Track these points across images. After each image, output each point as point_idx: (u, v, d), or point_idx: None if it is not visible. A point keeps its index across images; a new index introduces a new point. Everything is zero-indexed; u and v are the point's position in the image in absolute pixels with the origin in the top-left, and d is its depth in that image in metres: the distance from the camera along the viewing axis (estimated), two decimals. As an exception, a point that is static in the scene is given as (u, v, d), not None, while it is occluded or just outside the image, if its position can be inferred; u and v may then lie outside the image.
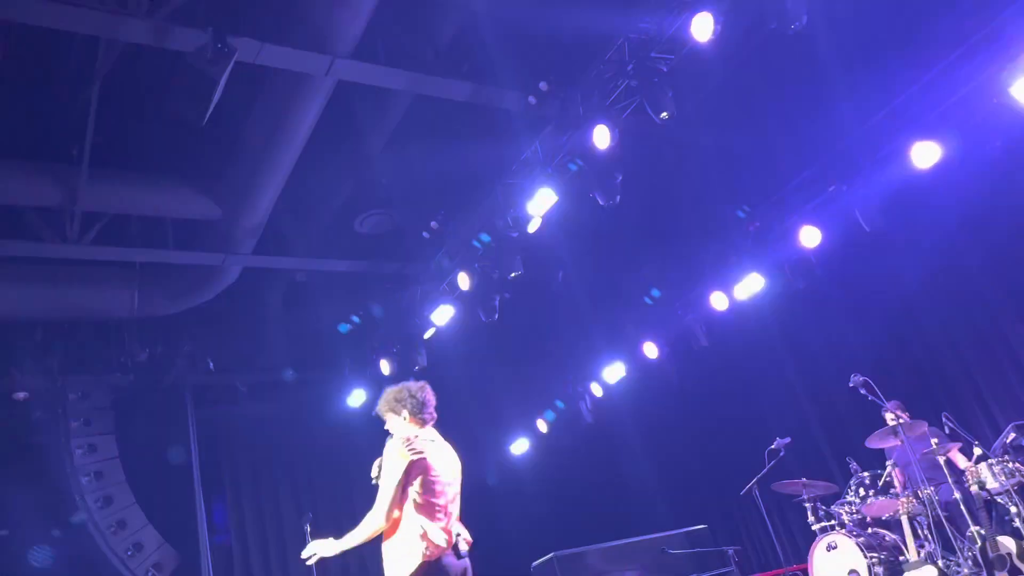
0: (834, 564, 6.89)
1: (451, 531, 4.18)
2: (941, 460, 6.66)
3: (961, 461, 7.17)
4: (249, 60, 6.62)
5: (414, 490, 4.12)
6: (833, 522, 7.25)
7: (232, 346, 11.53)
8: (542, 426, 12.13)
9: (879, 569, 6.63)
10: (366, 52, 7.29)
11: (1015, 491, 6.33)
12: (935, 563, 6.49)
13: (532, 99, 7.78)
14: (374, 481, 4.27)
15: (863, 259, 8.99)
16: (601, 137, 7.45)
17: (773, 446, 7.89)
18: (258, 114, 7.78)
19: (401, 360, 10.73)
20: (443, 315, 10.00)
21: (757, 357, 10.49)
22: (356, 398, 11.76)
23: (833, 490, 7.64)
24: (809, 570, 7.15)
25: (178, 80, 6.41)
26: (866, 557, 6.65)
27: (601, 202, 7.75)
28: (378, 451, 12.35)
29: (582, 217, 8.82)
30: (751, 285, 9.28)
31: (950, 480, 6.54)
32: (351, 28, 6.82)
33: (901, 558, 6.79)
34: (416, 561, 4.03)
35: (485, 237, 9.10)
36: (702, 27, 6.60)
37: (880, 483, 7.14)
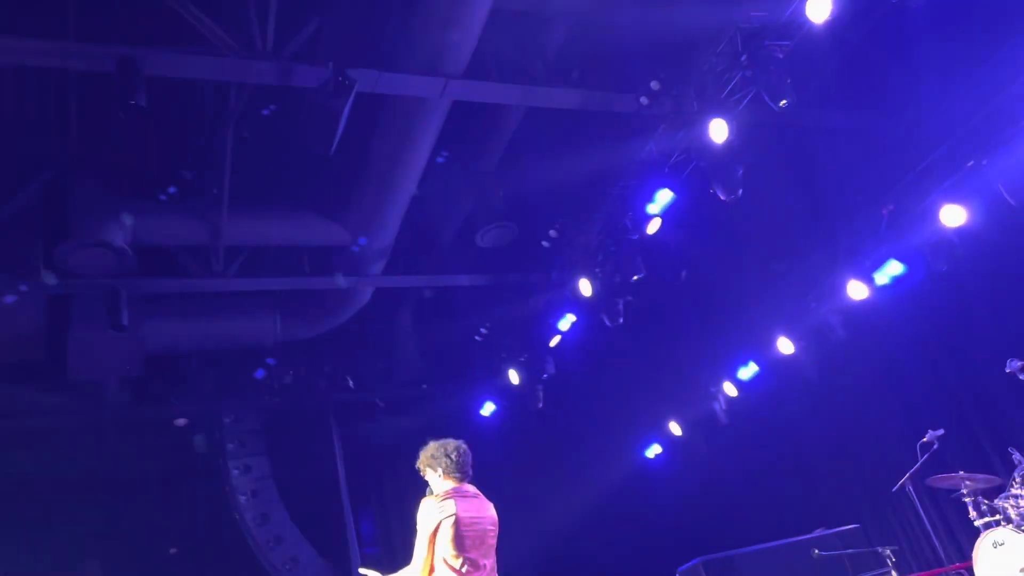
0: (1002, 562, 6.45)
1: None
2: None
3: None
4: (368, 90, 6.90)
5: (445, 548, 4.31)
6: (998, 517, 6.78)
7: (369, 364, 11.99)
8: (675, 429, 11.93)
9: (1055, 566, 6.16)
10: (477, 70, 7.46)
11: None
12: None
13: (644, 99, 7.72)
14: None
15: (1011, 236, 8.39)
16: (718, 131, 7.31)
17: (925, 439, 7.46)
18: (379, 140, 8.09)
19: (529, 369, 10.85)
20: (567, 322, 10.04)
21: (901, 347, 9.95)
22: (487, 408, 11.98)
23: (995, 483, 7.15)
24: (974, 568, 6.72)
25: (305, 115, 6.77)
26: (1039, 553, 6.20)
27: (722, 197, 7.59)
28: (511, 463, 12.43)
29: (704, 214, 8.67)
30: (890, 271, 8.84)
31: None
32: (462, 48, 7.00)
33: (1079, 554, 6.29)
34: None
35: (605, 242, 9.08)
36: (818, 8, 6.39)
37: (1049, 474, 6.64)
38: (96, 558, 11.15)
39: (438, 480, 4.62)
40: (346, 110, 6.56)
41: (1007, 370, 6.52)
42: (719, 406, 11.23)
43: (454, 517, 4.37)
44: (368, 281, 9.67)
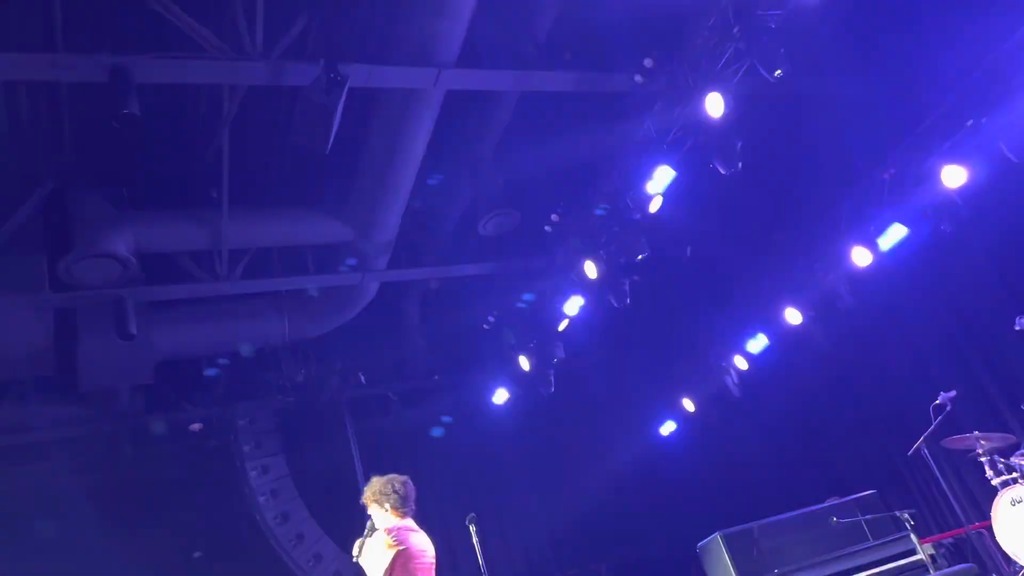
0: (1022, 519, 6.46)
1: None
2: None
3: None
4: (361, 84, 6.88)
5: None
6: (1015, 475, 6.79)
7: (379, 358, 12.01)
8: (688, 405, 11.95)
9: (1075, 521, 6.17)
10: (469, 58, 7.43)
11: None
12: None
13: (638, 77, 7.69)
14: (354, 559, 4.70)
15: (1014, 193, 8.34)
16: (714, 105, 7.28)
17: (938, 401, 7.45)
18: (375, 135, 8.08)
19: (539, 354, 10.86)
20: (574, 305, 10.04)
21: (909, 310, 9.93)
22: (499, 396, 12.01)
23: (1011, 440, 7.16)
24: (993, 527, 6.73)
25: (298, 114, 6.75)
26: (1058, 509, 6.21)
27: (722, 171, 7.57)
28: (526, 447, 12.46)
29: (704, 189, 8.64)
30: (893, 235, 8.80)
31: None
32: (452, 36, 6.97)
33: (1099, 507, 6.29)
34: None
35: (608, 223, 9.06)
36: (807, -25, 6.33)
37: (1065, 429, 6.64)
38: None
39: (384, 515, 4.81)
40: (339, 107, 6.55)
41: (1016, 328, 6.50)
42: (731, 380, 11.24)
43: (408, 551, 4.58)
44: (373, 276, 9.68)
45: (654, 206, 8.42)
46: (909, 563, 7.51)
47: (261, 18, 6.59)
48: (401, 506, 4.79)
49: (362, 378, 11.83)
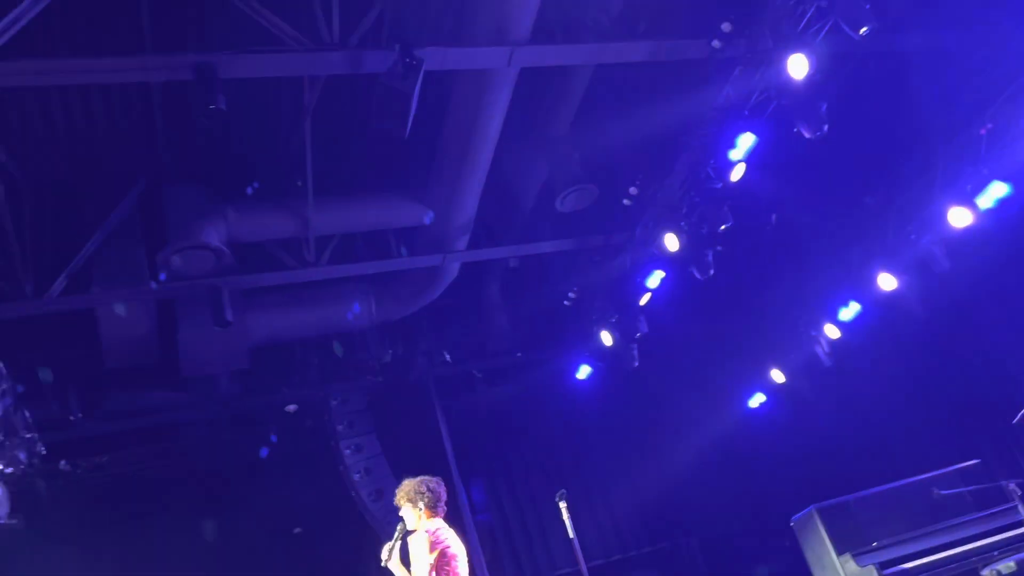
0: None
1: None
2: None
3: None
4: (436, 68, 6.92)
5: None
6: None
7: (463, 337, 12.17)
8: (778, 377, 11.71)
9: None
10: (542, 34, 7.38)
11: None
12: None
13: (716, 43, 7.49)
14: (384, 563, 4.83)
15: None
16: (797, 67, 7.04)
17: (1046, 367, 7.12)
18: (451, 116, 8.13)
19: (622, 329, 10.81)
20: (656, 279, 9.94)
21: (1012, 271, 9.47)
22: (583, 372, 12.03)
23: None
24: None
25: (376, 100, 6.85)
26: None
27: (807, 134, 7.33)
28: (612, 422, 12.46)
29: (789, 155, 8.40)
30: (993, 194, 8.37)
31: None
32: (525, 13, 6.93)
33: None
34: None
35: (688, 194, 8.91)
36: (892, -74, 6.04)
37: None
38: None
39: (417, 514, 4.97)
40: (416, 91, 6.61)
41: None
42: (821, 349, 10.95)
43: (448, 549, 4.76)
44: (454, 257, 9.79)
45: (736, 174, 8.23)
46: (1017, 535, 7.23)
47: (337, 8, 6.71)
48: (434, 506, 4.95)
49: (447, 357, 12.03)
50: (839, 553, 7.41)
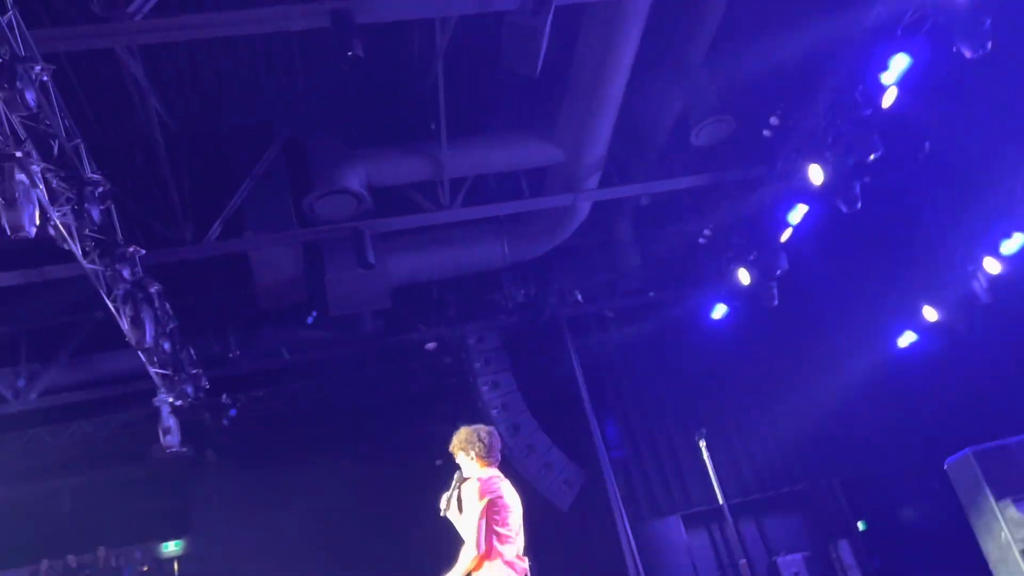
0: None
1: (525, 558, 4.72)
2: None
3: None
4: (567, 2, 6.79)
5: (496, 526, 4.62)
6: None
7: (594, 277, 12.17)
8: (930, 314, 11.06)
9: None
10: (676, -40, 7.10)
11: None
12: None
13: (866, -44, 6.99)
14: (442, 513, 4.80)
15: None
16: (958, -21, 6.48)
17: None
18: (581, 52, 7.99)
19: (760, 266, 10.49)
20: (798, 214, 9.54)
21: None
22: (718, 311, 11.79)
23: None
24: None
25: (506, 39, 6.80)
26: None
27: (968, 54, 6.77)
28: (749, 362, 12.17)
29: (947, 77, 7.79)
30: None
31: None
32: (658, -61, 6.68)
33: None
34: None
35: (834, 122, 8.43)
36: None
37: None
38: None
39: (470, 463, 4.87)
40: (547, 27, 6.52)
41: None
42: (979, 285, 10.25)
43: (501, 499, 4.67)
44: (585, 196, 9.72)
45: (888, 99, 7.72)
46: None
47: (467, -54, 6.67)
48: (487, 455, 4.86)
49: (579, 296, 12.07)
50: (998, 498, 7.06)
